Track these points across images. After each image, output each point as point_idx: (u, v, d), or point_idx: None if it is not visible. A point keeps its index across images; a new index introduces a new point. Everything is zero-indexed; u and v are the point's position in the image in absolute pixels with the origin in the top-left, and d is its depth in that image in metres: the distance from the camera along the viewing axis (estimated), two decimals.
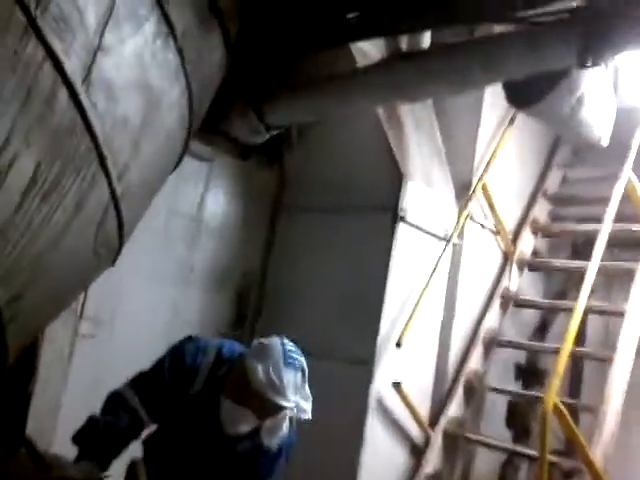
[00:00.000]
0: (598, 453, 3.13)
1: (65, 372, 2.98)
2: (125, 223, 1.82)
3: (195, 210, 3.58)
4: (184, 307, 3.46)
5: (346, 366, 3.48)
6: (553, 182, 4.73)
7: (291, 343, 1.91)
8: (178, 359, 1.96)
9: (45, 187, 1.45)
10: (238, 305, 3.75)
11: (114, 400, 1.94)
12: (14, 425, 2.72)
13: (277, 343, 1.87)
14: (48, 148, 1.42)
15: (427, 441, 3.69)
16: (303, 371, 1.88)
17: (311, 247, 3.85)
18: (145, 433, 2.01)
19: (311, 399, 1.92)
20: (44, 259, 1.56)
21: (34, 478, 1.47)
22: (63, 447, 1.98)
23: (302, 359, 1.89)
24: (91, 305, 3.12)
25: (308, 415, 1.90)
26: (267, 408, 1.83)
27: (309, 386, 2.43)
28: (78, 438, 1.90)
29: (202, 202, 3.61)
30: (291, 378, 1.81)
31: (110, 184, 1.65)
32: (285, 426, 1.93)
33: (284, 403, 1.80)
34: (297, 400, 1.84)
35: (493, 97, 3.93)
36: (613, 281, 4.11)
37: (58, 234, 1.56)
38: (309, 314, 3.72)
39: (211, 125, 3.42)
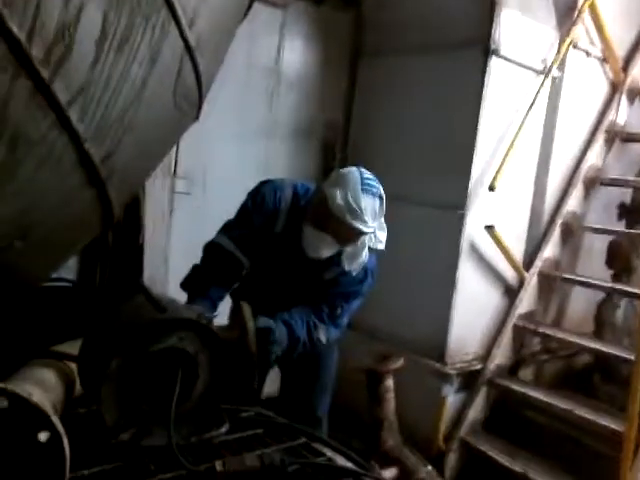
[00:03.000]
0: None
1: (168, 226, 3.21)
2: (202, 73, 1.77)
3: (273, 61, 3.46)
4: (271, 160, 3.51)
5: (438, 211, 3.45)
6: None
7: (368, 172, 1.94)
8: (260, 201, 2.06)
9: (117, 39, 1.41)
10: (324, 156, 3.73)
11: (212, 248, 2.09)
12: (132, 274, 3.03)
13: (354, 171, 1.93)
14: None
15: (521, 283, 3.69)
16: (381, 198, 1.93)
17: (396, 91, 3.66)
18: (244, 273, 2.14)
19: (386, 230, 2.01)
20: (129, 115, 1.57)
21: (153, 318, 1.61)
22: (174, 292, 2.18)
23: (380, 187, 1.93)
24: (183, 164, 3.25)
25: (382, 245, 2.00)
26: (346, 232, 1.91)
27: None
28: (186, 285, 2.09)
29: (279, 52, 3.48)
30: (369, 204, 1.87)
31: (182, 32, 1.58)
32: (365, 253, 2.02)
33: (362, 227, 1.88)
34: (375, 226, 1.92)
35: None
36: None
37: (138, 88, 1.55)
38: (398, 161, 3.65)
39: None
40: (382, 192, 1.95)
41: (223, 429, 1.78)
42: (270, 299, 2.11)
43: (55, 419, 1.21)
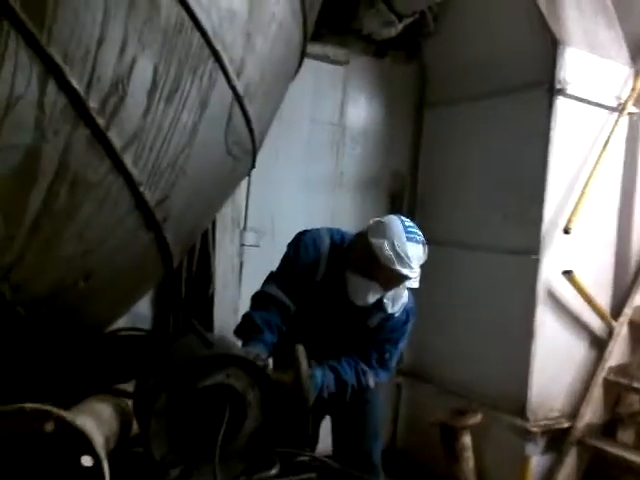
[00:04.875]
0: None
1: (238, 279, 3.31)
2: (253, 120, 1.87)
3: (337, 116, 3.59)
4: (338, 211, 3.57)
5: (510, 257, 3.32)
6: None
7: (408, 220, 2.05)
8: (301, 250, 2.16)
9: (166, 89, 1.53)
10: (392, 206, 3.75)
11: (261, 297, 2.17)
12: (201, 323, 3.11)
13: (396, 219, 2.03)
14: (162, 49, 1.48)
15: (610, 333, 3.42)
16: (424, 244, 2.02)
17: (461, 139, 3.65)
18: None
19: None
20: (180, 161, 1.67)
21: (200, 354, 1.64)
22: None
23: (421, 234, 2.03)
24: (252, 218, 3.38)
25: (417, 284, 2.06)
26: (393, 279, 2.00)
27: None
28: (239, 332, 2.15)
29: (343, 107, 3.60)
30: (414, 251, 1.96)
31: (229, 81, 1.69)
32: (405, 294, 2.12)
33: (409, 273, 1.96)
34: (419, 271, 2.00)
35: None
36: None
37: (189, 135, 1.66)
38: (466, 208, 3.59)
39: (342, 25, 3.35)
40: (423, 238, 2.03)
41: (273, 471, 1.74)
42: (316, 344, 2.11)
43: (97, 443, 1.25)
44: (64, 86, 1.35)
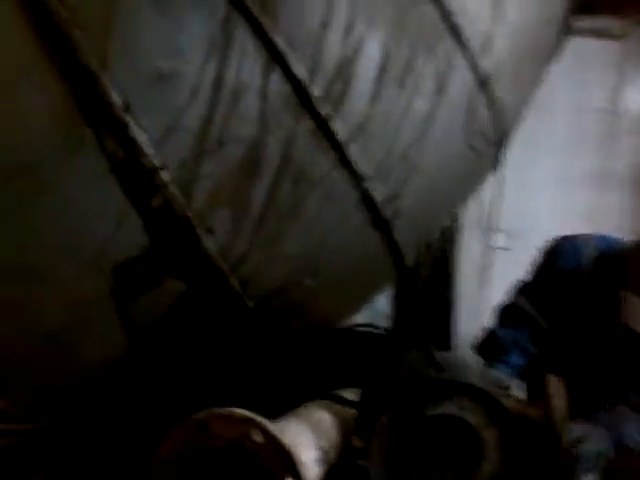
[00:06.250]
0: None
1: (483, 283, 3.04)
2: (500, 108, 1.60)
3: (608, 101, 3.06)
4: (604, 215, 3.05)
5: None
6: None
7: None
8: (558, 261, 1.85)
9: (398, 72, 1.36)
10: None
11: (509, 311, 1.90)
12: (439, 329, 2.92)
13: None
14: (393, 26, 1.31)
15: None
16: None
17: None
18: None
19: None
20: (413, 154, 1.49)
21: (429, 377, 1.45)
22: None
23: None
24: (503, 218, 3.09)
25: None
26: None
27: None
28: (482, 349, 1.93)
29: (617, 90, 3.04)
30: None
31: (472, 60, 1.45)
32: None
33: None
34: None
35: None
36: None
37: (422, 125, 1.46)
38: None
39: None
40: None
41: None
42: (573, 375, 1.73)
43: (302, 465, 1.14)
44: (288, 74, 1.28)
